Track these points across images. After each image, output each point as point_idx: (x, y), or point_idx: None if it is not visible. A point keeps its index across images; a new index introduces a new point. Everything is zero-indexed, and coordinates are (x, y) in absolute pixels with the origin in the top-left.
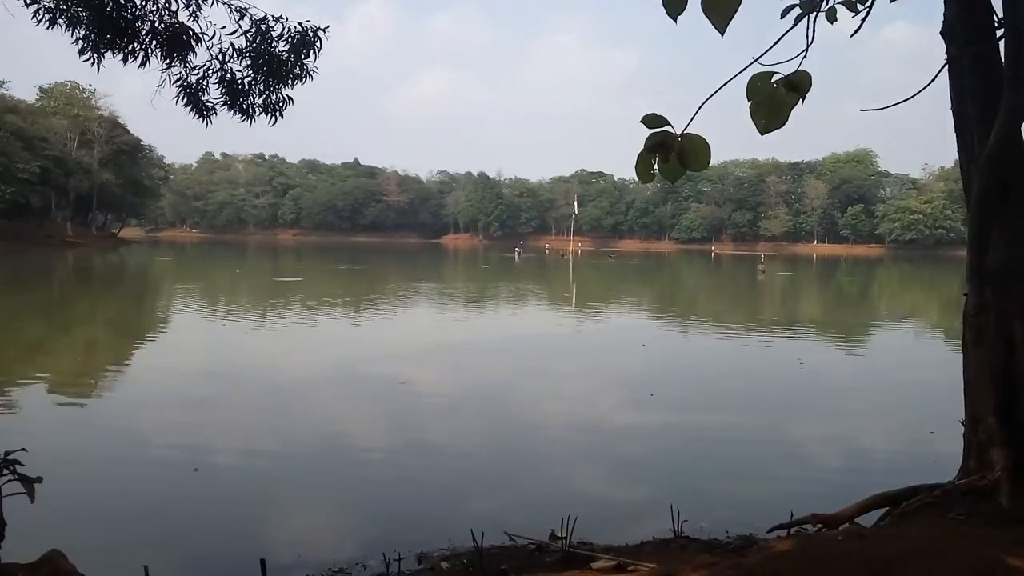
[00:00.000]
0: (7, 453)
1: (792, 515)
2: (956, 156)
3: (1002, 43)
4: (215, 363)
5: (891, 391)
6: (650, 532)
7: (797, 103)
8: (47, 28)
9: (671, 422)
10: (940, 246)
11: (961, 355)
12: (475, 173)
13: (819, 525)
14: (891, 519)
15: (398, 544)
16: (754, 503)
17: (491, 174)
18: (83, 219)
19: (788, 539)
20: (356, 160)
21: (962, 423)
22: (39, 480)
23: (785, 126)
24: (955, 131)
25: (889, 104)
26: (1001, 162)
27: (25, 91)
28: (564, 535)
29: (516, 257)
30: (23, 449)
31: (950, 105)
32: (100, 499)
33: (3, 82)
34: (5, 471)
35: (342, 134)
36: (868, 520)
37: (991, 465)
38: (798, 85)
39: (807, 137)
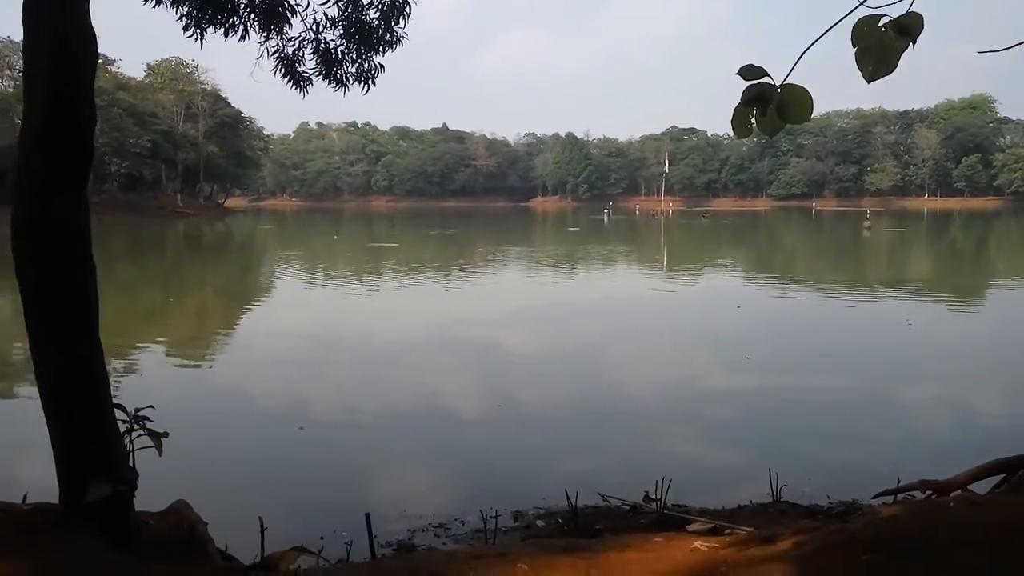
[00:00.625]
0: (137, 410)
1: (899, 481)
2: None
3: None
4: (316, 327)
5: (1008, 353)
6: (747, 497)
7: (907, 47)
8: (153, 7)
9: (768, 385)
10: None
11: None
12: (563, 134)
13: (928, 492)
14: (1007, 487)
15: (495, 502)
16: (858, 469)
17: (579, 135)
18: (191, 190)
19: (895, 505)
20: (445, 125)
21: None
22: (166, 435)
23: (894, 72)
24: None
25: (1011, 44)
26: None
27: (133, 68)
28: (658, 497)
29: (605, 219)
30: (151, 406)
31: None
32: (215, 454)
33: (115, 60)
34: (136, 426)
35: (431, 100)
36: (981, 488)
37: None
38: (909, 28)
39: (917, 83)
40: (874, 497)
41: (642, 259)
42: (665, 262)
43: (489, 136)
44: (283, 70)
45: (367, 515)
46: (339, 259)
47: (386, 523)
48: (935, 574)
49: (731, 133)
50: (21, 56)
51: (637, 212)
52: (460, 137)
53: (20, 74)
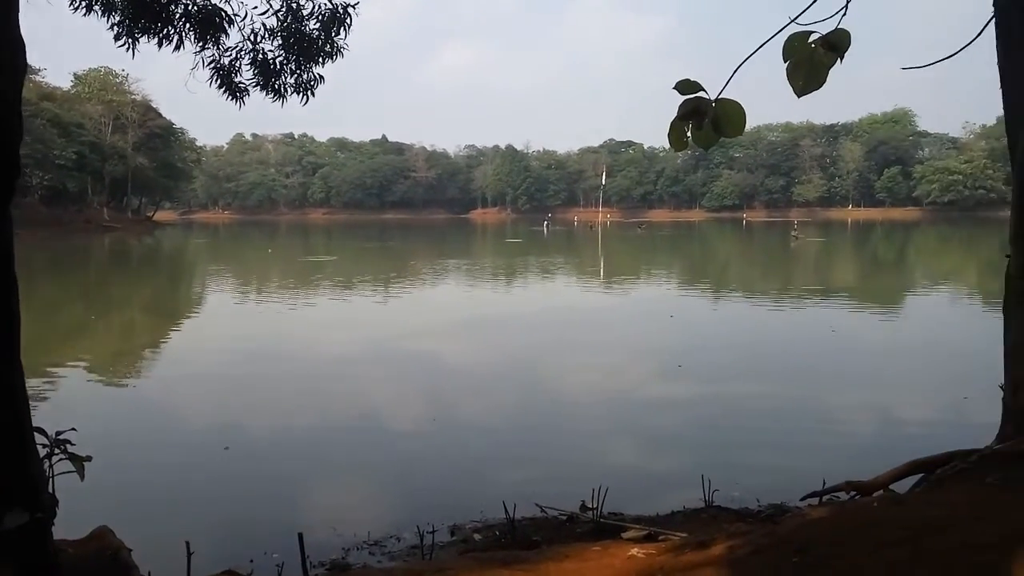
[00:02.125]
0: (58, 433)
1: (824, 483)
2: (1000, 113)
3: None
4: (247, 342)
5: (926, 357)
6: (680, 502)
7: (835, 63)
8: (84, 15)
9: (700, 393)
10: (980, 207)
11: (1001, 319)
12: (503, 146)
13: (853, 492)
14: (926, 485)
15: (431, 517)
16: (786, 472)
17: (519, 147)
18: (118, 203)
19: (822, 507)
20: (384, 137)
21: (1001, 388)
22: (88, 459)
23: (822, 87)
24: (1001, 86)
25: (932, 61)
26: None
27: (60, 78)
28: (595, 506)
29: (544, 231)
30: (73, 429)
31: (996, 60)
32: (140, 476)
33: (40, 69)
34: (57, 450)
35: (370, 111)
36: (903, 487)
37: None
38: (837, 44)
39: (844, 98)
40: (802, 499)
41: (579, 270)
42: (601, 273)
43: (429, 148)
44: (219, 80)
45: (300, 535)
46: (273, 273)
47: (319, 542)
48: (862, 573)
49: (667, 146)
50: None
51: (576, 224)
52: (399, 149)
53: None
